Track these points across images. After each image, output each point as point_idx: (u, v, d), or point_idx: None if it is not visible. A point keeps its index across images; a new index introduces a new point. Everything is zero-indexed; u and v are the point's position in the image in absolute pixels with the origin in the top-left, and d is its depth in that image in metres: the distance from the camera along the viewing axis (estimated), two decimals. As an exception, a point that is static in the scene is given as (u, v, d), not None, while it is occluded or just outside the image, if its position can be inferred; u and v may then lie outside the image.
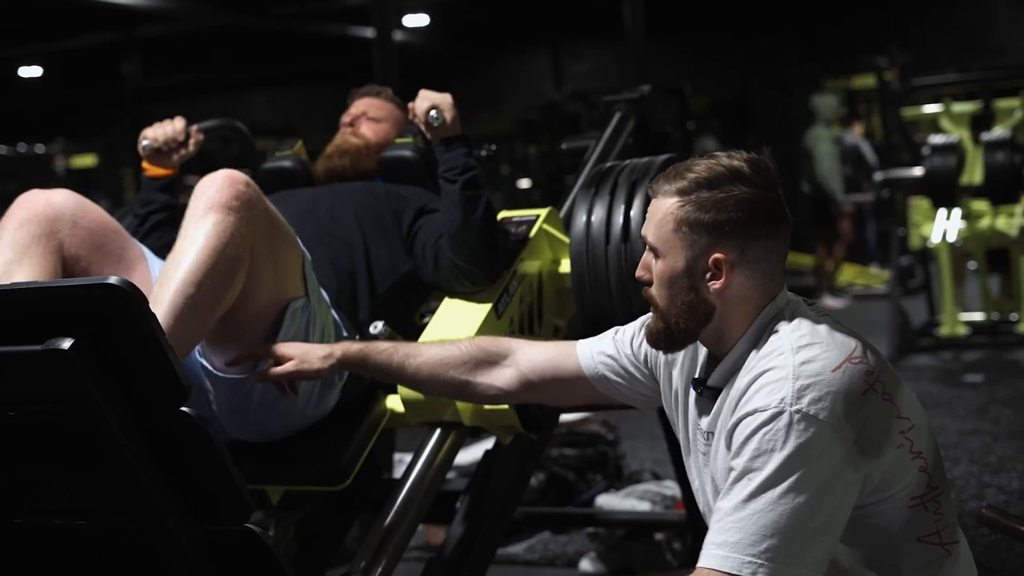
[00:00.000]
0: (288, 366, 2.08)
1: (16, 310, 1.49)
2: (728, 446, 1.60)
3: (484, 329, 2.39)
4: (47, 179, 10.99)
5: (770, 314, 1.66)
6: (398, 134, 2.82)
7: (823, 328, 1.63)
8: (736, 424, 1.57)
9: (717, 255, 1.63)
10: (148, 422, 1.53)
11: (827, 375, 1.55)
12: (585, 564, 3.73)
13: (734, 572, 1.50)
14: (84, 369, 1.44)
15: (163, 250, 2.34)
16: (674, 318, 1.68)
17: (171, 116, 2.70)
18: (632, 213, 2.41)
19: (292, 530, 2.49)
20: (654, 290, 1.70)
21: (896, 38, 10.21)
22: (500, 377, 2.00)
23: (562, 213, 2.80)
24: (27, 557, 1.76)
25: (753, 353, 1.63)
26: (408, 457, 2.43)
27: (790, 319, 1.64)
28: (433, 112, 2.48)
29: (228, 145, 3.88)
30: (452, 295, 2.54)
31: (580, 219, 2.46)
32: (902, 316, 6.78)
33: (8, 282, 2.06)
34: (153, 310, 1.49)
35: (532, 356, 1.99)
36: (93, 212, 2.28)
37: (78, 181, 12.78)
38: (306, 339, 2.17)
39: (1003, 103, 7.21)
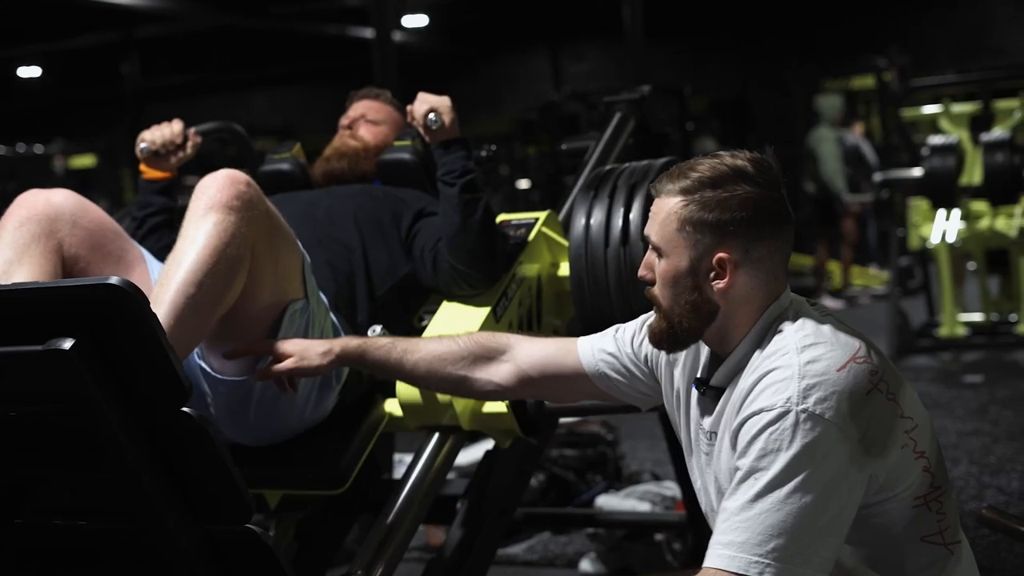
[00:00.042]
0: (288, 363, 2.08)
1: (17, 310, 1.49)
2: (733, 446, 1.60)
3: (483, 332, 2.39)
4: (46, 179, 10.97)
5: (774, 314, 1.66)
6: (396, 137, 2.81)
7: (827, 328, 1.63)
8: (741, 424, 1.57)
9: (721, 254, 1.63)
10: (149, 422, 1.53)
11: (832, 374, 1.55)
12: (585, 565, 3.73)
13: (741, 572, 1.50)
14: (85, 369, 1.44)
15: (161, 253, 2.34)
16: (677, 318, 1.68)
17: (171, 116, 2.70)
18: (631, 216, 2.41)
19: (292, 530, 2.49)
20: (657, 290, 1.70)
21: (896, 39, 10.20)
22: (498, 373, 2.00)
23: (561, 216, 2.80)
24: (28, 557, 1.76)
25: (757, 353, 1.63)
26: (408, 458, 2.43)
27: (794, 319, 1.64)
28: (432, 115, 2.48)
29: (226, 146, 3.88)
30: (451, 298, 2.54)
31: (579, 222, 2.46)
32: (901, 317, 6.78)
33: (8, 282, 2.06)
34: (153, 310, 1.49)
35: (531, 352, 1.99)
36: (93, 212, 2.27)
37: (77, 181, 12.78)
38: (306, 340, 2.17)
39: (1002, 104, 7.21)
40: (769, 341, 1.63)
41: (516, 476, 2.57)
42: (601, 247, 2.41)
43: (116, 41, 15.42)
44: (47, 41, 15.40)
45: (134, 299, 1.45)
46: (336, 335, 2.33)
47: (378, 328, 2.41)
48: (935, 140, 6.56)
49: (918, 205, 7.07)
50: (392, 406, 2.43)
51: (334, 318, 2.37)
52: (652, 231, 1.69)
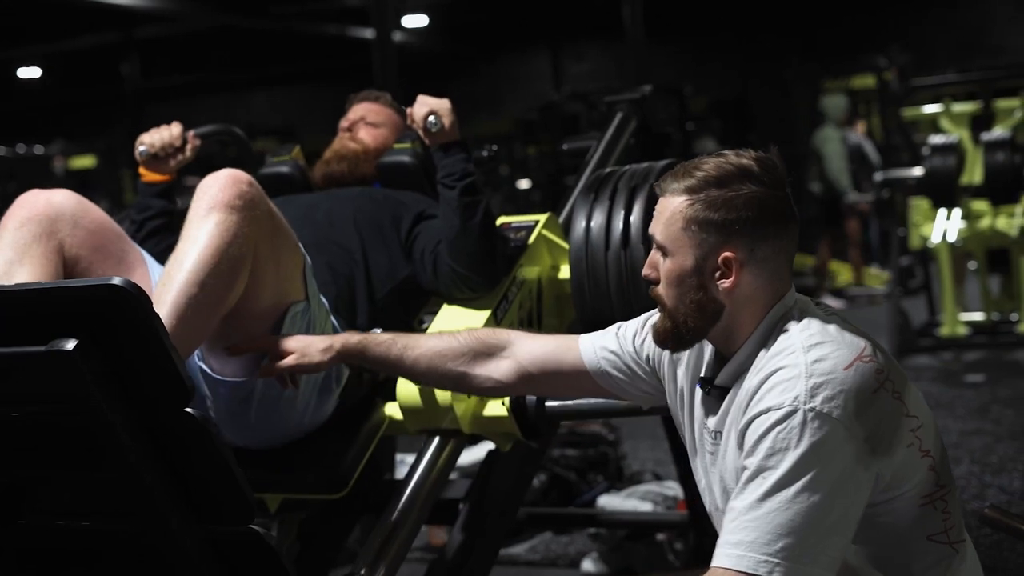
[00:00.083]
0: (289, 360, 2.07)
1: (19, 310, 1.49)
2: (740, 445, 1.59)
3: (483, 335, 2.39)
4: (46, 180, 10.97)
5: (779, 313, 1.65)
6: (396, 139, 2.80)
7: (833, 327, 1.63)
8: (749, 423, 1.57)
9: (727, 254, 1.63)
10: (151, 423, 1.53)
11: (839, 373, 1.55)
12: (587, 565, 3.73)
13: (750, 571, 1.50)
14: (88, 370, 1.44)
15: (161, 256, 2.33)
16: (682, 317, 1.67)
17: (171, 117, 2.70)
18: (632, 219, 2.41)
19: (294, 531, 2.48)
20: (661, 289, 1.69)
21: (896, 38, 10.22)
22: (498, 369, 1.99)
23: (561, 218, 2.80)
24: (29, 558, 1.76)
25: (762, 352, 1.63)
26: (410, 458, 2.43)
27: (799, 318, 1.64)
28: (432, 118, 2.47)
29: (226, 148, 3.88)
30: (451, 301, 2.53)
31: (579, 225, 2.46)
32: (902, 316, 6.78)
33: (10, 282, 2.06)
34: (156, 310, 1.49)
35: (531, 348, 1.98)
36: (94, 213, 2.27)
37: (77, 182, 12.76)
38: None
39: (1003, 103, 7.21)
40: (775, 340, 1.63)
41: (518, 476, 2.57)
42: (602, 250, 2.41)
43: (116, 42, 15.43)
44: (47, 42, 15.39)
45: (137, 300, 1.44)
46: (336, 337, 2.32)
47: (378, 331, 2.41)
48: (936, 139, 6.56)
49: (919, 204, 7.07)
50: (392, 409, 2.42)
51: (334, 321, 2.36)
52: (656, 230, 1.68)
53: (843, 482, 1.52)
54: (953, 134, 6.84)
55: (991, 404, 5.44)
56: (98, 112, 17.70)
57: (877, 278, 10.27)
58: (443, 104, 2.49)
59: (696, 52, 14.98)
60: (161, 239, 2.58)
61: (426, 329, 2.51)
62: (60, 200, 2.22)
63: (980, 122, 7.09)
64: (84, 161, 14.44)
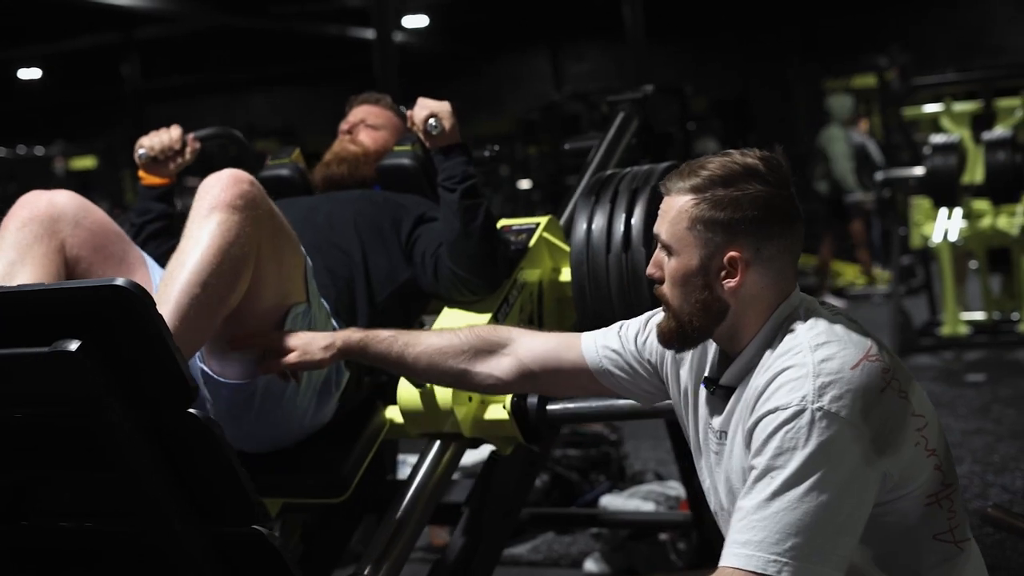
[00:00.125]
0: (291, 356, 2.07)
1: (23, 311, 1.49)
2: (747, 444, 1.59)
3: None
4: (47, 181, 10.98)
5: (784, 313, 1.65)
6: (396, 142, 2.80)
7: (839, 327, 1.62)
8: (756, 422, 1.57)
9: (732, 253, 1.63)
10: (155, 423, 1.53)
11: (846, 373, 1.55)
12: (589, 564, 3.73)
13: (759, 571, 1.50)
14: (91, 370, 1.44)
15: (161, 259, 2.32)
16: (687, 316, 1.67)
17: (171, 117, 2.69)
18: (633, 221, 2.40)
19: (298, 531, 2.48)
20: (666, 288, 1.69)
21: (896, 38, 10.22)
22: (499, 366, 1.99)
23: (562, 221, 2.79)
24: (30, 558, 1.76)
25: (768, 352, 1.63)
26: (412, 458, 2.43)
27: (805, 318, 1.64)
28: (432, 120, 2.46)
29: (227, 148, 3.87)
30: (451, 304, 2.53)
31: (581, 227, 2.45)
32: (903, 316, 6.77)
33: (12, 283, 2.06)
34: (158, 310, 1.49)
35: (533, 345, 1.97)
36: (95, 214, 2.26)
37: (77, 183, 12.77)
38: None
39: (1004, 102, 7.20)
40: (781, 340, 1.62)
41: (521, 477, 2.57)
42: (603, 252, 2.40)
43: (116, 42, 15.44)
44: (47, 42, 15.40)
45: (140, 300, 1.44)
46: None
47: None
48: (937, 139, 6.55)
49: (920, 204, 7.07)
50: (393, 413, 2.42)
51: (335, 324, 2.36)
52: (662, 229, 1.68)
53: (851, 481, 1.52)
54: (954, 133, 6.84)
55: (992, 403, 5.44)
56: (98, 113, 17.72)
57: (880, 277, 10.27)
58: (443, 107, 2.48)
59: (696, 52, 14.99)
60: (161, 242, 2.57)
61: (427, 332, 2.51)
62: (61, 201, 2.22)
63: (981, 121, 7.08)
64: (84, 162, 14.45)
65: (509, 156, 11.50)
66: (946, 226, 6.73)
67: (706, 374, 1.75)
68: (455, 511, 2.50)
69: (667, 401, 1.91)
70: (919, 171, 6.60)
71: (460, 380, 2.04)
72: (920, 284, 7.99)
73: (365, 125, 2.83)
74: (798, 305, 1.66)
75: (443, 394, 2.30)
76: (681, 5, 14.19)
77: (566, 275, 2.62)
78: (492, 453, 2.52)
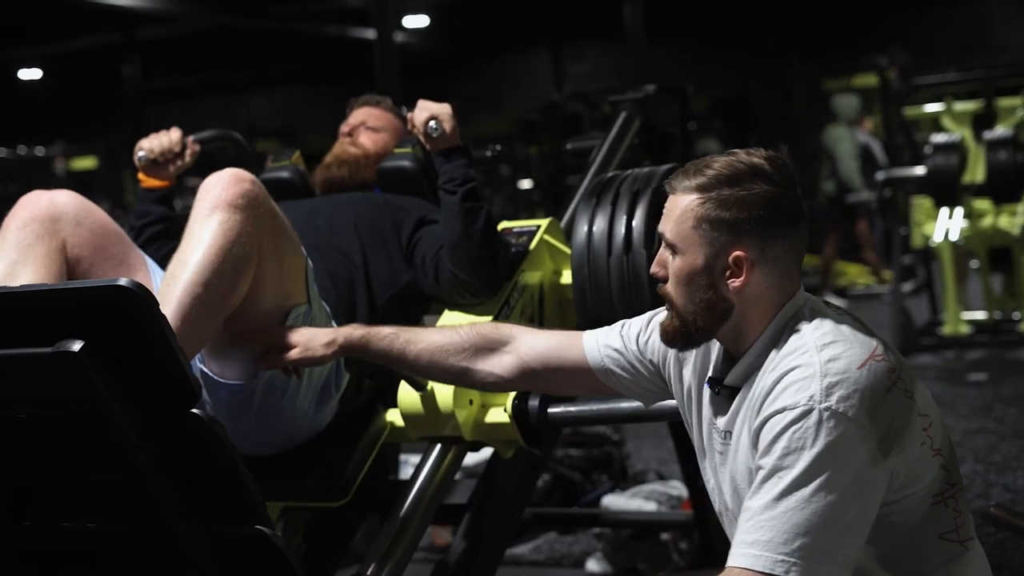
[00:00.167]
0: (293, 353, 2.06)
1: (26, 311, 1.49)
2: (753, 445, 1.59)
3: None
4: (47, 181, 10.98)
5: (789, 312, 1.65)
6: (397, 144, 2.79)
7: (845, 326, 1.62)
8: (763, 422, 1.57)
9: (737, 253, 1.62)
10: (158, 424, 1.53)
11: (853, 372, 1.55)
12: (591, 564, 3.73)
13: (767, 571, 1.50)
14: (94, 371, 1.43)
15: (161, 262, 2.32)
16: (691, 316, 1.67)
17: (172, 117, 2.69)
18: (634, 223, 2.40)
19: (300, 531, 2.48)
20: (670, 287, 1.69)
21: (896, 38, 10.22)
22: (500, 364, 1.98)
23: (563, 223, 2.79)
24: (32, 558, 1.76)
25: (774, 352, 1.62)
26: (414, 458, 2.42)
27: (810, 318, 1.64)
28: (432, 123, 2.45)
29: (227, 149, 3.88)
30: (452, 307, 2.52)
31: (581, 230, 2.45)
32: (905, 315, 6.77)
33: (14, 283, 2.05)
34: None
35: (534, 344, 1.97)
36: (96, 214, 2.26)
37: (78, 183, 12.77)
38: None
39: (1005, 102, 7.20)
40: (786, 340, 1.62)
41: (524, 478, 2.56)
42: (604, 255, 2.40)
43: (117, 43, 15.45)
44: (48, 43, 15.41)
45: (143, 300, 1.44)
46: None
47: None
48: (938, 138, 6.55)
49: (921, 203, 7.07)
50: (394, 416, 2.42)
51: (335, 326, 2.35)
52: (666, 228, 1.68)
53: (858, 481, 1.52)
54: (955, 133, 6.84)
55: (994, 403, 5.44)
56: (99, 113, 17.72)
57: (888, 277, 10.26)
58: (444, 109, 2.47)
59: (696, 52, 14.99)
60: (161, 245, 2.57)
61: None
62: (62, 201, 2.21)
63: (982, 121, 7.08)
64: (85, 162, 14.46)
65: (510, 156, 11.50)
66: (947, 225, 6.73)
67: (710, 374, 1.74)
68: (457, 511, 2.50)
69: (669, 402, 1.91)
70: (920, 171, 6.60)
71: (461, 378, 2.04)
72: (921, 283, 7.99)
73: (365, 127, 2.82)
74: (803, 305, 1.66)
75: (444, 397, 2.29)
76: (681, 5, 14.20)
77: (567, 277, 2.61)
78: (494, 454, 2.52)
